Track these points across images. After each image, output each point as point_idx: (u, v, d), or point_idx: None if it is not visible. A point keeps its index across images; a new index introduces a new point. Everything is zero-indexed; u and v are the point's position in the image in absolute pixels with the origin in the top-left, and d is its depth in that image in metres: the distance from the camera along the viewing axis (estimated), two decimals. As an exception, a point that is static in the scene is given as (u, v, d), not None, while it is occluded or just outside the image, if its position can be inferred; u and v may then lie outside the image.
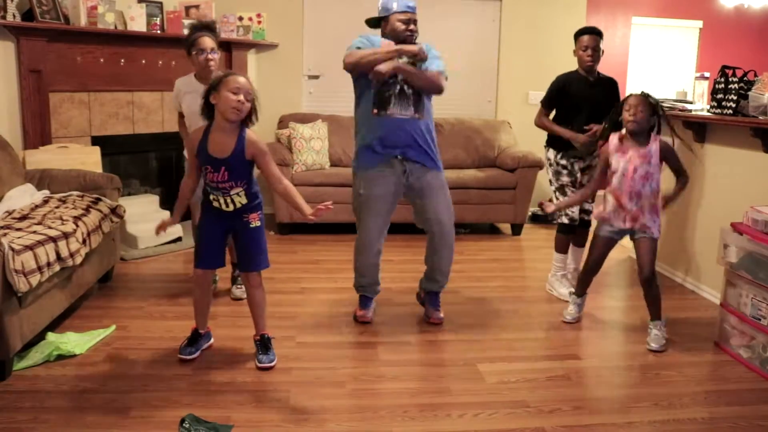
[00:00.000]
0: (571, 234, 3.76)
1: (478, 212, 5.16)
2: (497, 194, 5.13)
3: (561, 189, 3.70)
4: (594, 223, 3.37)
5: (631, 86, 6.59)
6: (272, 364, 2.75)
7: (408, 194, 3.19)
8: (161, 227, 2.75)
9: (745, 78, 3.41)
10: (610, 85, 3.68)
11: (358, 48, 3.03)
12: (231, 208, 2.67)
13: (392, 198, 3.15)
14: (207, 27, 3.34)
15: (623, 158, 3.03)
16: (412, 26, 3.05)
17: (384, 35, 3.12)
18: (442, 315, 3.30)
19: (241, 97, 2.52)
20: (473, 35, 5.85)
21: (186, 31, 3.45)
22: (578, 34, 3.62)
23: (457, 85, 5.94)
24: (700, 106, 4.09)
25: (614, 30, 6.71)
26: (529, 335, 3.21)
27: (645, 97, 3.00)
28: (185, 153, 3.26)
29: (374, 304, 3.37)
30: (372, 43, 3.05)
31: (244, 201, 2.68)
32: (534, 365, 2.86)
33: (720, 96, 3.54)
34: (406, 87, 3.03)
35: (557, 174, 3.71)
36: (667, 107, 4.09)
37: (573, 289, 3.47)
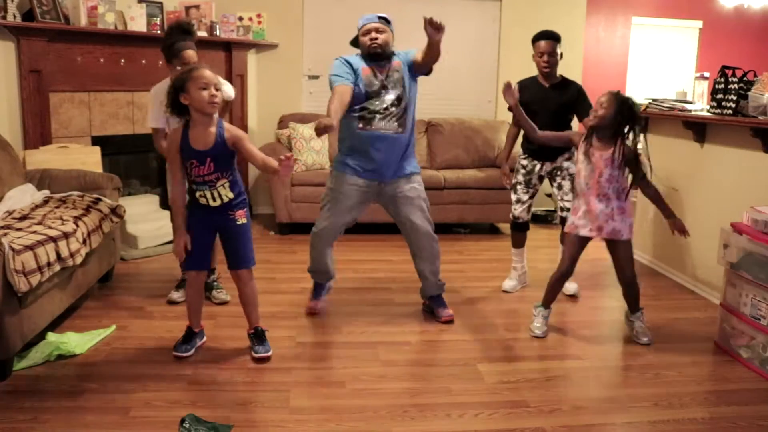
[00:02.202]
0: (519, 231, 3.78)
1: (478, 212, 5.16)
2: (497, 194, 5.13)
3: (513, 186, 3.76)
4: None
5: (631, 86, 6.59)
6: (269, 353, 2.79)
7: (379, 201, 3.26)
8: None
9: (744, 78, 3.41)
10: (571, 90, 3.57)
11: (336, 80, 3.10)
12: (218, 202, 2.70)
13: (359, 201, 3.21)
14: (187, 31, 3.21)
15: (590, 160, 3.01)
16: (373, 34, 3.10)
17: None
18: (451, 312, 3.31)
19: (213, 90, 2.57)
20: (473, 35, 5.85)
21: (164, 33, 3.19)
22: (535, 39, 3.54)
23: (458, 85, 5.96)
24: (700, 106, 4.09)
25: (614, 30, 6.71)
26: (529, 335, 3.21)
27: (614, 95, 2.93)
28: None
29: (326, 294, 3.46)
30: (351, 65, 3.12)
31: (230, 195, 2.71)
32: (534, 365, 2.86)
33: (720, 96, 3.54)
34: (392, 106, 3.08)
35: (515, 171, 3.78)
36: (667, 107, 4.09)
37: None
